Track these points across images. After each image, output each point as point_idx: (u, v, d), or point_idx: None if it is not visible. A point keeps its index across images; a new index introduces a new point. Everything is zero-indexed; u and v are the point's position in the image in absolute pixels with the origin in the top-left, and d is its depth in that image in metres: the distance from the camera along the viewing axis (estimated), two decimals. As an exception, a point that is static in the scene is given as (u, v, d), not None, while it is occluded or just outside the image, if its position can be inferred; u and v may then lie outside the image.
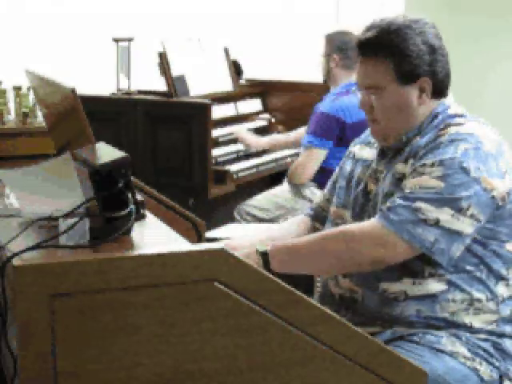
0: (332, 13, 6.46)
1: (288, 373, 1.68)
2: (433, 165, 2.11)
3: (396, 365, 1.77)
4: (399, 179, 2.19)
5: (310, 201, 4.29)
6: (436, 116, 2.24)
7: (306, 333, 1.67)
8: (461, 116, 2.23)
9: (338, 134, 4.28)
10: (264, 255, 2.19)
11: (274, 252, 2.20)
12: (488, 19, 6.08)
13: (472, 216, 2.09)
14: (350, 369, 1.72)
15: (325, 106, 4.35)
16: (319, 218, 2.55)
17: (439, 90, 2.25)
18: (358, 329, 1.75)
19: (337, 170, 2.54)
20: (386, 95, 2.23)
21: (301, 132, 4.70)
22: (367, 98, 2.27)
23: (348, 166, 2.45)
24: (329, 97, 4.42)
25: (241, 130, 4.86)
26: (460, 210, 2.08)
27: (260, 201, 4.49)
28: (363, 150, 2.43)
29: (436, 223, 2.07)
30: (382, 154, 2.32)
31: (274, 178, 5.02)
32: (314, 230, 2.55)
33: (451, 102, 2.29)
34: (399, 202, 2.10)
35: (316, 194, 4.29)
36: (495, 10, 6.11)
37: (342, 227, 2.20)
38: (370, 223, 2.13)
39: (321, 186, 4.34)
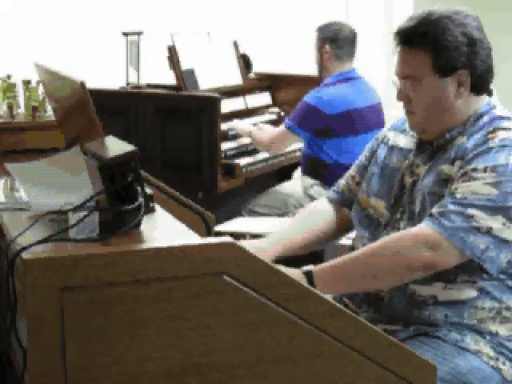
0: (341, 6, 6.44)
1: (296, 366, 1.68)
2: (485, 170, 2.08)
3: (405, 359, 1.76)
4: (445, 180, 2.15)
5: (314, 199, 4.30)
6: (481, 116, 2.20)
7: (314, 326, 1.67)
8: (508, 119, 2.19)
9: (318, 125, 4.33)
10: (308, 277, 2.13)
11: (320, 275, 2.13)
12: (501, 14, 6.05)
13: None
14: (359, 362, 1.72)
15: (309, 96, 4.40)
16: (348, 201, 2.46)
17: (479, 84, 2.20)
18: (370, 324, 1.75)
19: (366, 152, 2.47)
20: (423, 86, 2.19)
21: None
22: (405, 88, 2.23)
23: (382, 152, 2.39)
24: (318, 87, 4.48)
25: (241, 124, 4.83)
26: (511, 219, 2.06)
27: (267, 199, 4.49)
28: (398, 137, 2.38)
29: (488, 231, 2.04)
30: (421, 147, 2.28)
31: (282, 171, 5.02)
32: (340, 215, 2.48)
33: (496, 103, 2.25)
34: (451, 207, 2.07)
35: (321, 193, 4.29)
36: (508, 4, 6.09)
37: (390, 236, 2.15)
38: (422, 227, 2.09)
39: (323, 183, 4.35)
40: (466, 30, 2.16)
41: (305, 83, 5.09)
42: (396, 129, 2.42)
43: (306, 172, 4.53)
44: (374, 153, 2.43)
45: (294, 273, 2.13)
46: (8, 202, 2.24)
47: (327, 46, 4.46)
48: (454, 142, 2.19)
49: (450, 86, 2.18)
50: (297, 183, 4.60)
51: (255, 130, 4.64)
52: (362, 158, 2.48)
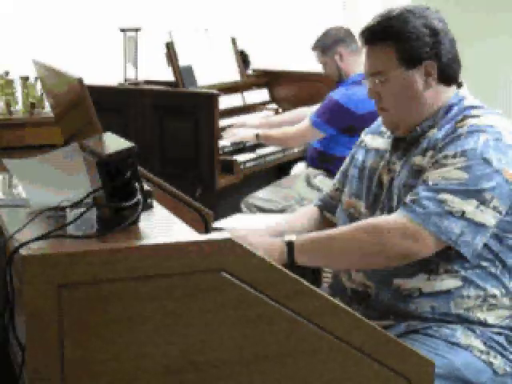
0: (339, 3, 6.44)
1: (295, 363, 1.68)
2: (455, 156, 2.09)
3: (403, 355, 1.77)
4: (418, 171, 2.17)
5: (319, 189, 4.30)
6: (451, 108, 2.22)
7: (312, 323, 1.67)
8: (478, 108, 2.21)
9: (347, 123, 4.31)
10: (289, 245, 2.16)
11: (300, 243, 2.16)
12: (497, 14, 6.06)
13: (495, 208, 2.08)
14: (357, 359, 1.72)
15: (338, 94, 4.40)
16: (328, 207, 2.53)
17: (446, 75, 2.23)
18: (368, 320, 1.75)
19: (347, 159, 2.52)
20: (391, 80, 2.22)
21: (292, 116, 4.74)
22: (374, 85, 2.26)
23: (360, 155, 2.42)
24: (343, 86, 4.46)
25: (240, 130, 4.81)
26: (484, 202, 2.06)
27: (267, 192, 4.49)
28: (375, 139, 2.41)
29: (462, 215, 2.05)
30: (396, 144, 2.30)
31: (281, 168, 5.02)
32: (324, 220, 2.54)
33: (466, 94, 2.27)
34: (423, 193, 2.08)
35: (325, 183, 4.31)
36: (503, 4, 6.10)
37: (369, 221, 2.17)
38: (396, 216, 2.10)
39: (328, 173, 4.36)
40: (427, 21, 2.20)
41: (303, 79, 5.09)
42: (373, 132, 2.45)
43: (313, 165, 4.54)
44: (353, 158, 2.47)
45: (276, 242, 2.18)
46: (6, 199, 2.24)
47: (338, 48, 4.48)
48: (425, 135, 2.22)
49: (418, 77, 2.21)
50: (297, 177, 4.60)
51: (260, 130, 4.64)
52: (344, 165, 2.54)
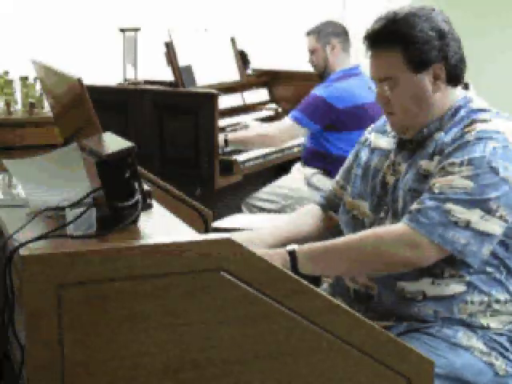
0: (339, 2, 6.44)
1: (294, 362, 1.68)
2: (461, 164, 2.08)
3: (403, 354, 1.77)
4: (424, 176, 2.16)
5: (318, 189, 4.29)
6: (458, 110, 2.20)
7: (312, 322, 1.68)
8: (485, 111, 2.19)
9: (330, 119, 4.33)
10: (292, 254, 2.16)
11: (303, 253, 2.17)
12: (495, 13, 6.06)
13: (501, 217, 2.06)
14: (357, 358, 1.72)
15: (319, 89, 4.42)
16: (333, 205, 2.50)
17: (454, 76, 2.21)
18: (368, 320, 1.75)
19: (350, 156, 2.49)
20: (400, 85, 2.19)
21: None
22: (382, 90, 2.23)
23: (364, 154, 2.40)
24: (324, 82, 4.49)
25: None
26: (489, 211, 2.05)
27: (266, 193, 4.49)
28: (379, 138, 2.39)
29: (467, 225, 2.04)
30: (401, 145, 2.28)
31: (280, 167, 5.01)
32: (327, 219, 2.52)
33: (473, 95, 2.25)
34: (429, 203, 2.07)
35: (323, 182, 4.31)
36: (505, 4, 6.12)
37: (373, 230, 2.17)
38: (401, 226, 2.09)
39: (325, 172, 4.37)
40: (433, 23, 2.17)
41: (302, 79, 5.09)
42: (377, 130, 2.43)
43: (308, 164, 4.54)
44: (357, 156, 2.45)
45: (278, 252, 2.18)
46: (6, 199, 2.24)
47: (334, 40, 4.51)
48: (432, 137, 2.20)
49: (427, 80, 2.19)
50: (296, 177, 4.60)
51: (248, 132, 4.65)
52: (347, 162, 2.51)
